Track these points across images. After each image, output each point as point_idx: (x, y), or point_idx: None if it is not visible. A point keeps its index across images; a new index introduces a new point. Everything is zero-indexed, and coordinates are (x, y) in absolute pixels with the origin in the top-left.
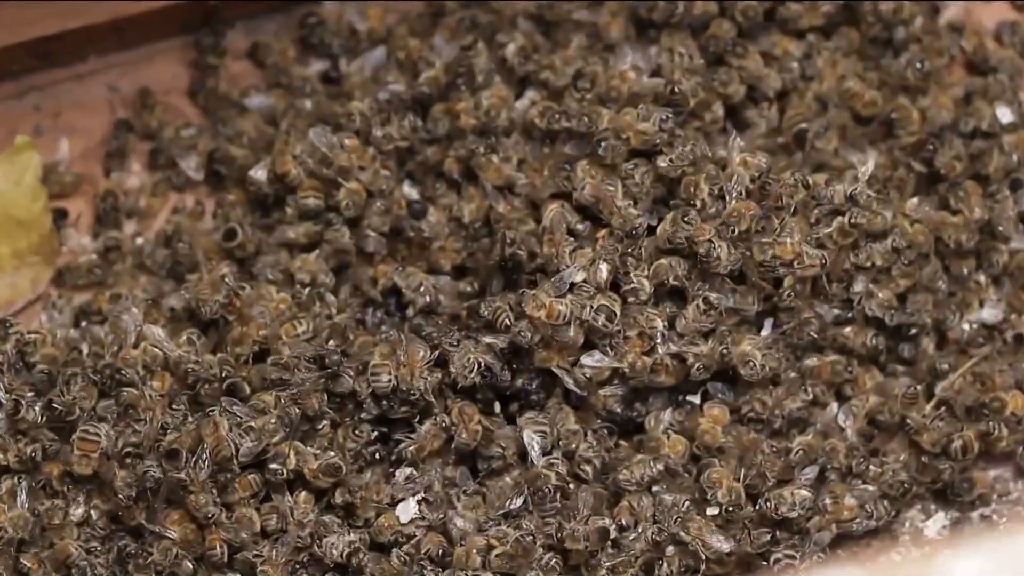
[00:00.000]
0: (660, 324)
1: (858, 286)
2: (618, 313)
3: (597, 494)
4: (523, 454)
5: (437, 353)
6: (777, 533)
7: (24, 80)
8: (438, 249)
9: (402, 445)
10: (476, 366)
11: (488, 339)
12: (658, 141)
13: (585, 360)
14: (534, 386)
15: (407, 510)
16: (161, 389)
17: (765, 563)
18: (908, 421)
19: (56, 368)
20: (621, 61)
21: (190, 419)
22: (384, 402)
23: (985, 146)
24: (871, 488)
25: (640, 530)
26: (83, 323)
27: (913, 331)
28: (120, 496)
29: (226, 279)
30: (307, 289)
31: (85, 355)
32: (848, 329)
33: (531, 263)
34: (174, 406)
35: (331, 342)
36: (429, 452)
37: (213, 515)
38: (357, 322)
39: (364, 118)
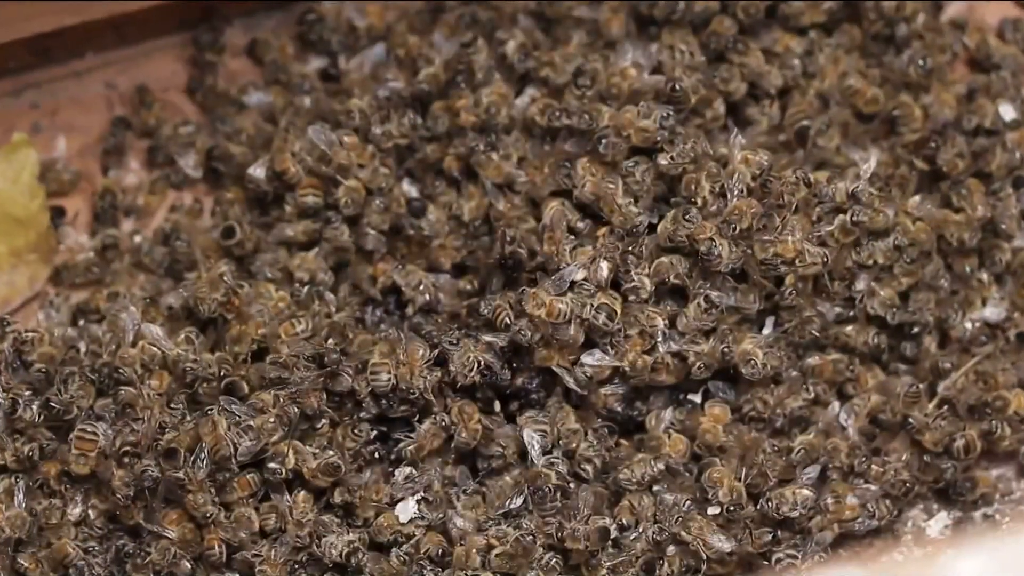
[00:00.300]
0: (661, 322)
1: (860, 284)
2: (619, 311)
3: (598, 493)
4: (523, 453)
5: (437, 352)
6: (779, 533)
7: (22, 77)
8: (438, 247)
9: (401, 444)
10: (476, 365)
11: (488, 338)
12: (659, 138)
13: (585, 359)
14: (534, 385)
15: (407, 510)
16: (159, 388)
17: (766, 563)
18: (910, 420)
19: (54, 367)
20: (622, 58)
21: (188, 418)
22: (383, 401)
23: (988, 144)
24: (873, 487)
25: (641, 530)
26: (81, 321)
27: (915, 329)
28: (118, 495)
29: (224, 277)
30: (306, 287)
31: (83, 354)
32: (850, 328)
33: (531, 261)
34: (172, 405)
35: (330, 341)
36: (429, 451)
37: (211, 514)
38: (356, 320)
39: (363, 115)
